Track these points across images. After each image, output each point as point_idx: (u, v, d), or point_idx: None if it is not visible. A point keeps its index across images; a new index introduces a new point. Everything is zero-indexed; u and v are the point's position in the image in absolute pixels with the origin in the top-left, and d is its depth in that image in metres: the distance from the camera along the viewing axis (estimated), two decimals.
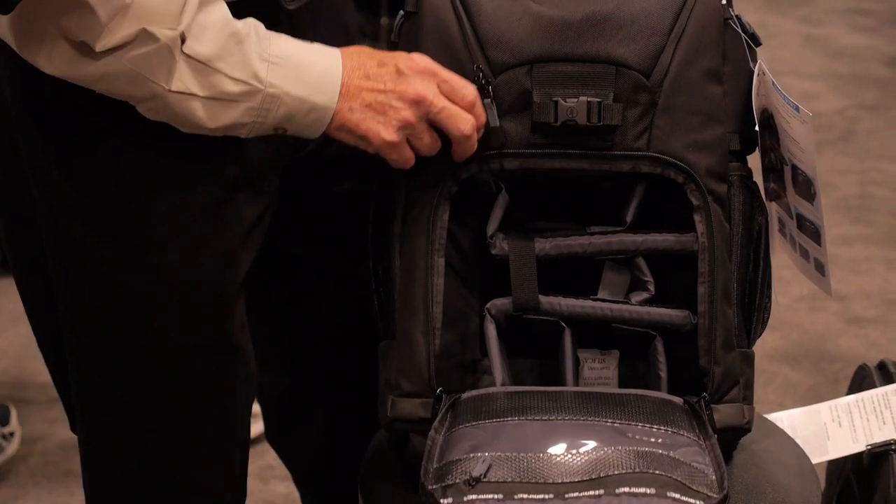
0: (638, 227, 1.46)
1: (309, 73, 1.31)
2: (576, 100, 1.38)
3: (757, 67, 1.43)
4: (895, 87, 4.55)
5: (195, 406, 1.41)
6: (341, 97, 1.32)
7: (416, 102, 1.34)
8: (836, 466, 1.87)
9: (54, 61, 1.25)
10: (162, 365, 1.38)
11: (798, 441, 1.66)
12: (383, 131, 1.34)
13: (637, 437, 1.30)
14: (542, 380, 1.52)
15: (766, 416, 1.75)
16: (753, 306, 1.46)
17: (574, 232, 1.46)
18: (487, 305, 1.46)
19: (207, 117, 1.28)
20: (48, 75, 1.27)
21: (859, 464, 1.77)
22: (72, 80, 1.26)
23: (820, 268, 1.50)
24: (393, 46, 1.45)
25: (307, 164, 1.47)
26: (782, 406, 2.57)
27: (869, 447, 1.74)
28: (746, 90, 1.43)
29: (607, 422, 1.32)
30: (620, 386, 1.52)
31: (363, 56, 1.35)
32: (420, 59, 1.35)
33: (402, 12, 1.44)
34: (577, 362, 1.50)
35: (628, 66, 1.39)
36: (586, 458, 1.26)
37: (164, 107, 1.27)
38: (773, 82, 1.42)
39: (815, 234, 1.48)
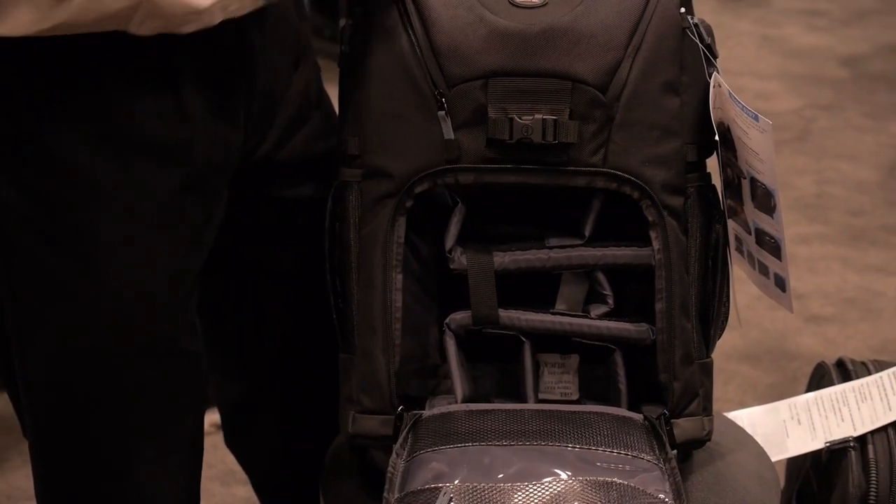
0: (597, 240, 1.46)
1: None
2: (531, 117, 1.37)
3: (713, 79, 1.41)
4: (850, 87, 4.58)
5: (145, 411, 1.41)
6: None
7: None
8: (795, 464, 1.88)
9: (32, 18, 1.23)
10: (111, 371, 1.38)
11: (758, 439, 1.67)
12: None
13: (598, 463, 1.31)
14: (503, 386, 1.52)
15: (726, 414, 1.76)
16: (712, 315, 1.46)
17: (533, 245, 1.46)
18: (447, 320, 1.46)
19: None
20: None
21: (818, 461, 1.78)
22: (58, 32, 1.24)
23: (780, 283, 1.49)
24: (342, 55, 1.45)
25: (260, 169, 1.47)
26: (742, 404, 2.58)
27: (828, 444, 1.75)
28: (705, 99, 1.42)
29: (568, 447, 1.33)
30: (581, 389, 1.52)
31: None
32: None
33: (349, 21, 1.43)
34: (536, 371, 1.50)
35: (584, 81, 1.38)
36: (548, 490, 1.27)
37: (154, 7, 1.25)
38: (729, 93, 1.40)
39: (775, 249, 1.47)
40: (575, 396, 1.52)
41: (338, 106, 1.49)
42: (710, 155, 1.47)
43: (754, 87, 4.52)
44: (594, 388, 1.52)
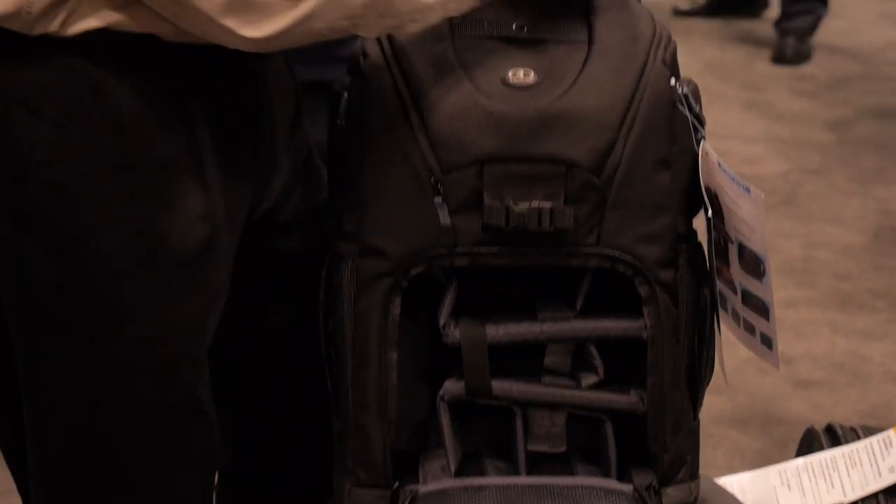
0: (588, 311, 1.46)
1: None
2: (527, 204, 1.37)
3: (701, 149, 1.42)
4: (836, 151, 4.60)
5: (162, 469, 1.40)
6: None
7: None
8: None
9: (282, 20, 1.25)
10: (129, 427, 1.37)
11: None
12: None
13: None
14: (494, 439, 1.53)
15: (715, 480, 1.75)
16: (699, 380, 1.47)
17: (525, 318, 1.46)
18: (440, 392, 1.46)
19: None
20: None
21: None
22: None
23: (767, 342, 1.49)
24: (336, 127, 1.44)
25: (258, 222, 1.47)
26: (731, 469, 2.57)
27: None
28: (694, 168, 1.42)
29: None
30: (568, 441, 1.53)
31: None
32: None
33: (345, 96, 1.43)
34: (526, 429, 1.50)
35: (579, 165, 1.38)
36: None
37: (387, 5, 1.27)
38: (718, 163, 1.41)
39: (763, 310, 1.47)
40: (563, 448, 1.53)
41: (327, 171, 1.49)
42: (695, 215, 1.47)
43: (740, 150, 4.54)
44: (582, 440, 1.53)
